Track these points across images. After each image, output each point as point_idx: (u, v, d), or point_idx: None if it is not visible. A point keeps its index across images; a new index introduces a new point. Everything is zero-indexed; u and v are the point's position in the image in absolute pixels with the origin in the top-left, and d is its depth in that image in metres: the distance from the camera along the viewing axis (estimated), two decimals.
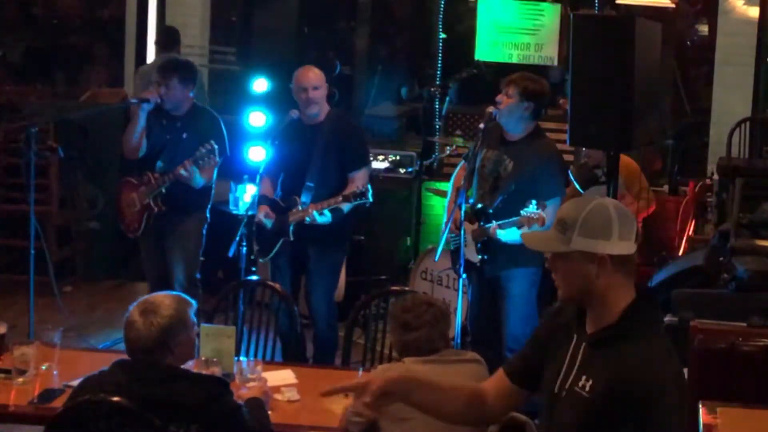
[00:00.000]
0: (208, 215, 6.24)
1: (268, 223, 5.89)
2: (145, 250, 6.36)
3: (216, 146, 5.83)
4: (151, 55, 9.20)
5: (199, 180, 5.92)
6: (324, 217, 5.71)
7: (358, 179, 5.86)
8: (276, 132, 6.08)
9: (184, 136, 6.02)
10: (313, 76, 5.87)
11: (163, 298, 3.49)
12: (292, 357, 5.49)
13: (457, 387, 2.91)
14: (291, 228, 5.81)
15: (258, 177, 6.01)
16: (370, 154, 7.91)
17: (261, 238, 6.01)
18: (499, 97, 5.47)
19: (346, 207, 5.71)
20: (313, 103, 5.83)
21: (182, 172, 5.84)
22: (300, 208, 5.77)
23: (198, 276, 6.21)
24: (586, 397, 2.60)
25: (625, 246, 2.65)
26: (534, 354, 2.86)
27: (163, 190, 5.99)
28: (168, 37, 8.50)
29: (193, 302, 3.55)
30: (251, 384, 3.99)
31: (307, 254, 5.96)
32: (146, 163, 6.11)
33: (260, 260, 6.06)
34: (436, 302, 3.81)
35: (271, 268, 6.06)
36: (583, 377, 2.63)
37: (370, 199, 5.63)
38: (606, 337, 2.64)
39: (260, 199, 5.98)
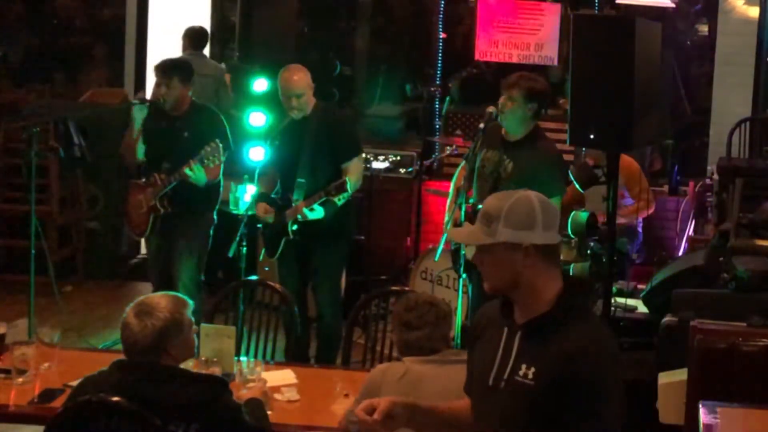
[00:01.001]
0: (215, 216, 6.24)
1: (269, 219, 5.90)
2: (150, 250, 6.38)
3: (221, 144, 5.83)
4: (151, 55, 9.21)
5: (203, 179, 5.92)
6: (315, 213, 5.72)
7: (351, 170, 5.84)
8: (276, 132, 6.07)
9: (186, 135, 6.02)
10: (297, 82, 5.82)
11: (160, 299, 3.47)
12: (293, 356, 5.50)
13: (458, 410, 2.91)
14: (289, 227, 5.82)
15: (256, 176, 6.03)
16: (370, 153, 7.95)
17: (266, 238, 6.03)
18: (501, 101, 5.45)
19: (337, 200, 5.71)
20: (296, 109, 5.83)
21: (187, 171, 5.84)
22: (293, 206, 5.79)
23: (202, 278, 6.20)
24: (530, 385, 2.62)
25: (549, 236, 2.69)
26: (471, 364, 2.88)
27: (169, 191, 5.99)
28: (200, 37, 8.54)
29: (191, 302, 3.54)
30: (251, 385, 3.99)
31: (311, 250, 5.97)
32: (152, 165, 6.11)
33: (269, 259, 6.08)
34: (439, 302, 3.80)
35: (278, 268, 6.06)
36: (523, 366, 2.65)
37: (349, 191, 5.61)
38: (542, 324, 2.67)
39: (259, 197, 5.99)
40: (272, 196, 6.00)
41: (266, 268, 6.52)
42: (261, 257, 6.38)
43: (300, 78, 5.84)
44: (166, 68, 6.13)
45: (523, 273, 2.67)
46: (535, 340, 2.66)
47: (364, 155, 6.46)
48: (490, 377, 2.72)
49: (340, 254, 6.09)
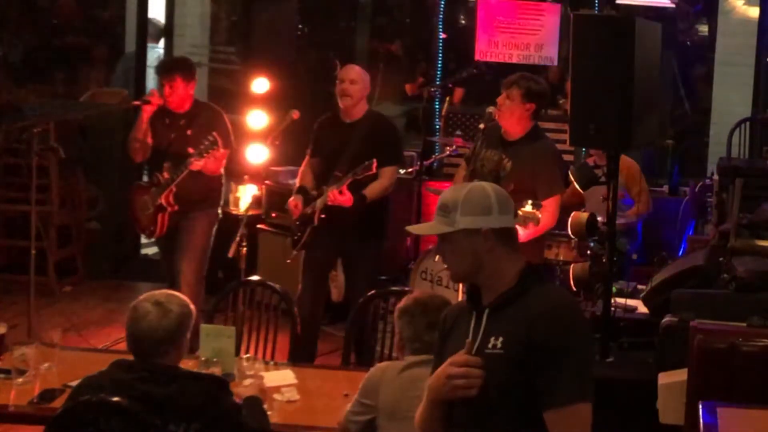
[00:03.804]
0: (219, 212, 6.27)
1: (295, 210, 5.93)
2: (161, 250, 6.41)
3: (218, 138, 5.84)
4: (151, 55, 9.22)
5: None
6: (344, 196, 5.74)
7: (386, 174, 5.91)
8: (316, 128, 6.09)
9: (189, 133, 6.04)
10: (351, 71, 6.00)
11: (169, 293, 3.49)
12: (295, 357, 5.50)
13: None
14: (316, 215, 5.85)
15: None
16: None
17: (292, 231, 6.06)
18: (500, 99, 5.47)
19: (368, 193, 5.77)
20: (346, 95, 5.91)
21: (193, 162, 5.86)
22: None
23: (203, 274, 6.22)
24: (500, 354, 2.71)
25: (505, 219, 2.83)
26: (439, 365, 2.89)
27: (174, 189, 6.00)
28: (158, 32, 8.59)
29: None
30: (247, 382, 3.97)
31: (342, 249, 6.01)
32: (154, 165, 6.13)
33: (293, 251, 6.12)
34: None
35: (304, 259, 6.07)
36: (492, 339, 2.74)
37: (374, 170, 5.68)
38: (506, 299, 2.78)
39: (298, 190, 6.04)
40: (306, 188, 6.03)
41: (288, 261, 6.45)
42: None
43: (359, 70, 6.02)
44: (168, 68, 6.15)
45: (484, 257, 2.79)
46: (502, 314, 2.77)
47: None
48: None
49: (374, 249, 6.08)
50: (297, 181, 6.17)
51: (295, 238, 6.04)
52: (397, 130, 6.52)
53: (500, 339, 2.72)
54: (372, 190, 5.87)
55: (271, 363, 4.48)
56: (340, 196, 5.74)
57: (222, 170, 6.17)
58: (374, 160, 5.67)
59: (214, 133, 5.85)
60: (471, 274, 2.82)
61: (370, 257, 6.06)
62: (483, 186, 2.85)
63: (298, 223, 6.00)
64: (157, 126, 6.12)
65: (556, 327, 2.68)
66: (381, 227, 6.08)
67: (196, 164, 5.88)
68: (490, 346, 2.73)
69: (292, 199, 6.01)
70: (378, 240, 6.11)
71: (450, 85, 8.18)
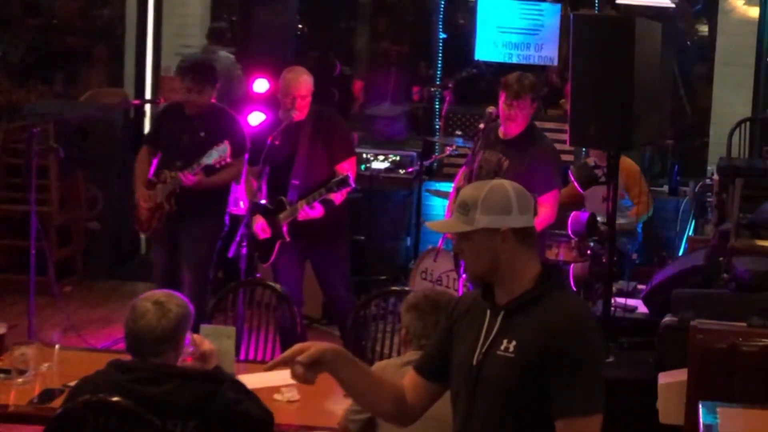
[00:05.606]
0: (226, 221, 6.19)
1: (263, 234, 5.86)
2: (155, 249, 6.35)
3: (227, 147, 5.74)
4: (150, 55, 9.22)
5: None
6: (315, 211, 5.70)
7: (346, 169, 5.83)
8: (276, 132, 6.04)
9: (202, 134, 5.94)
10: (303, 84, 5.81)
11: (168, 293, 3.49)
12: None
13: (384, 381, 3.01)
14: (284, 229, 5.81)
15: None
16: (370, 153, 7.96)
17: (258, 244, 5.99)
18: (510, 113, 5.44)
19: (335, 197, 5.71)
20: (296, 111, 5.79)
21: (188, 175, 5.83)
22: (288, 207, 5.76)
23: (209, 278, 6.16)
24: (511, 358, 2.70)
25: (525, 219, 2.80)
26: (439, 347, 2.95)
27: (178, 190, 5.94)
28: (221, 33, 8.59)
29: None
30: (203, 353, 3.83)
31: (308, 253, 5.95)
32: (165, 163, 6.05)
33: (262, 265, 6.07)
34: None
35: (273, 271, 6.04)
36: (504, 341, 2.73)
37: (353, 185, 5.63)
38: (522, 302, 2.76)
39: (252, 207, 5.92)
40: (263, 203, 5.95)
41: (258, 275, 6.47)
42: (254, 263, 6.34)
43: (305, 80, 5.84)
44: (198, 73, 6.03)
45: (502, 257, 2.76)
46: (516, 318, 2.75)
47: (362, 155, 6.44)
48: (474, 357, 2.78)
49: (341, 250, 6.06)
50: (246, 194, 6.05)
51: (263, 251, 5.98)
52: (342, 120, 6.41)
53: (513, 343, 2.71)
54: (339, 194, 5.76)
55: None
56: (311, 211, 5.69)
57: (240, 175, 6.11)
58: (347, 175, 5.59)
59: (225, 141, 5.76)
60: (489, 274, 2.81)
61: (340, 255, 6.04)
62: (503, 184, 2.82)
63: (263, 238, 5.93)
64: (169, 126, 6.08)
65: (574, 338, 2.67)
66: (344, 224, 6.04)
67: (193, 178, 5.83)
68: (501, 348, 2.72)
69: (258, 220, 5.86)
70: (343, 238, 6.09)
71: (450, 85, 8.19)
